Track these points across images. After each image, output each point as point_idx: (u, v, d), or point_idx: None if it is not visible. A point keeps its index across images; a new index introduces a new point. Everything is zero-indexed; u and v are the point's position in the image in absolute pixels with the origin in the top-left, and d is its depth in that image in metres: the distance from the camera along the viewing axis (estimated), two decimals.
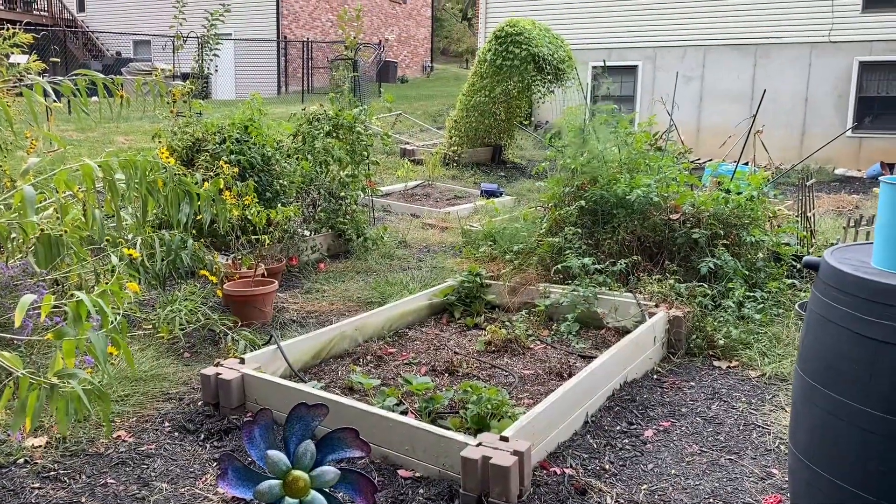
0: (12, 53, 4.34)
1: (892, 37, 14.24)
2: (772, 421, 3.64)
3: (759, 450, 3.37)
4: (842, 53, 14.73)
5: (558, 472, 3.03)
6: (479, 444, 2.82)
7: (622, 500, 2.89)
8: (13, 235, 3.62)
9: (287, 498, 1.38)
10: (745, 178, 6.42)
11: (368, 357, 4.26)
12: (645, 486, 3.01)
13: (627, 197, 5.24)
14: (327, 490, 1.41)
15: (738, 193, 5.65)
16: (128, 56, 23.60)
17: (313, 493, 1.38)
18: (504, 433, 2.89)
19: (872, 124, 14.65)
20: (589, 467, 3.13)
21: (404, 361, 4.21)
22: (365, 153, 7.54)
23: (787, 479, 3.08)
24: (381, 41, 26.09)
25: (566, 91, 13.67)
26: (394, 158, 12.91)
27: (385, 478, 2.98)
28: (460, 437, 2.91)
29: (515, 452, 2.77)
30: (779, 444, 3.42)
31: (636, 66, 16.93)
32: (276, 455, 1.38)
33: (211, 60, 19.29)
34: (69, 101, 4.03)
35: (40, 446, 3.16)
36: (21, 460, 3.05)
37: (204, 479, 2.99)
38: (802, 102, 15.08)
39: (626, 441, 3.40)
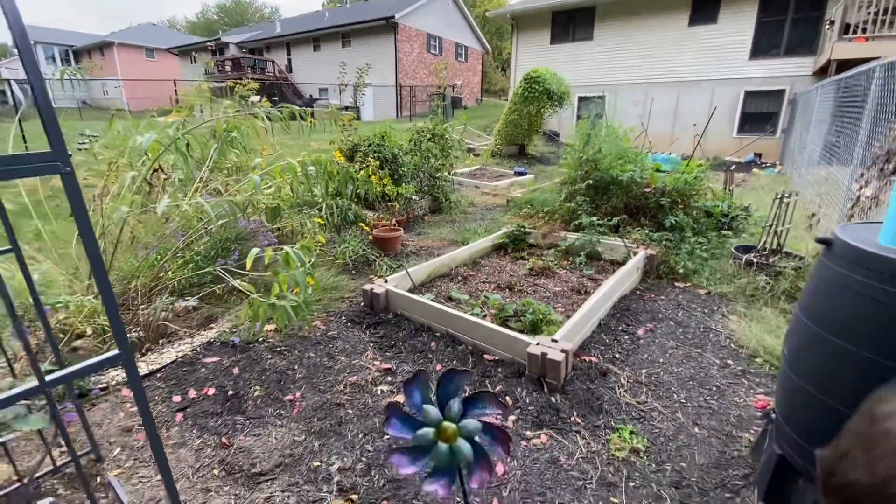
0: (250, 95, 3.93)
1: (766, 76, 12.09)
2: (722, 326, 3.03)
3: (716, 346, 2.79)
4: (734, 84, 12.68)
5: (587, 360, 2.55)
6: (538, 344, 2.36)
7: (631, 381, 2.39)
8: (248, 208, 3.27)
9: (440, 443, 0.91)
10: (681, 165, 5.51)
11: (458, 278, 3.82)
12: (644, 370, 2.50)
13: (619, 178, 4.47)
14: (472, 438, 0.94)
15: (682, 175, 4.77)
16: (315, 97, 22.96)
17: (460, 440, 0.91)
18: (554, 336, 2.41)
19: (749, 130, 12.69)
20: (605, 356, 2.64)
21: (480, 281, 3.75)
22: (450, 150, 6.86)
23: (742, 369, 2.51)
24: (453, 85, 24.49)
25: (563, 111, 12.40)
26: (462, 153, 12.01)
27: (476, 359, 2.57)
28: (524, 337, 2.46)
29: (563, 350, 2.30)
30: (728, 342, 2.82)
31: (604, 96, 15.13)
32: (431, 409, 0.93)
33: (361, 97, 18.44)
34: (284, 123, 3.56)
35: (271, 330, 2.88)
36: (260, 339, 2.78)
37: (366, 354, 2.66)
38: (704, 117, 13.05)
39: (626, 338, 2.87)
